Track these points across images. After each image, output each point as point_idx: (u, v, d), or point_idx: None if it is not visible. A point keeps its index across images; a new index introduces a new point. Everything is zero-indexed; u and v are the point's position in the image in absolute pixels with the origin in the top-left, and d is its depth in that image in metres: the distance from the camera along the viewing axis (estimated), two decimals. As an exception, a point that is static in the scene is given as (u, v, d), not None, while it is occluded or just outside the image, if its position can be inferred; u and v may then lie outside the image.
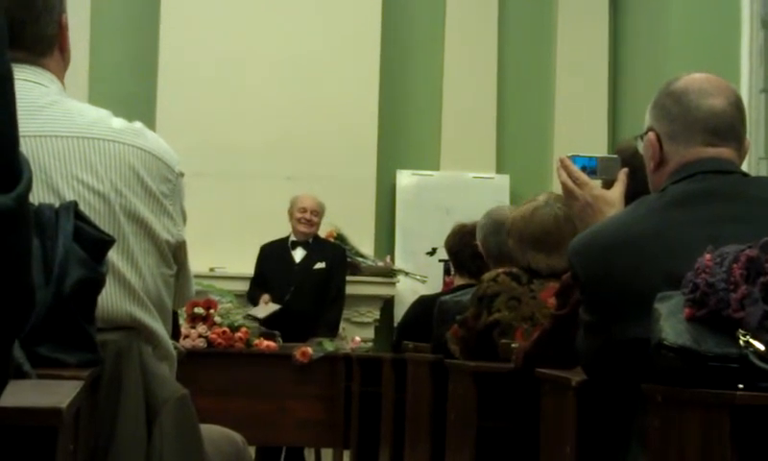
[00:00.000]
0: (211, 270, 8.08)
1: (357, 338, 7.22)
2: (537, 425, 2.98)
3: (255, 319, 7.03)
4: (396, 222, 8.93)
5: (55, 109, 2.13)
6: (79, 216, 1.85)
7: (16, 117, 1.18)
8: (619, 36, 9.20)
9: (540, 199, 3.84)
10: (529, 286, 3.73)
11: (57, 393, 1.41)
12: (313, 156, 8.56)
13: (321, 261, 7.48)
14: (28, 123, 2.03)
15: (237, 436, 2.59)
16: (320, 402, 6.60)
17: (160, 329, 2.23)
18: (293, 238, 7.53)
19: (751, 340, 1.81)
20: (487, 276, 3.83)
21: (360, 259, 8.47)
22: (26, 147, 1.41)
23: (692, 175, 2.36)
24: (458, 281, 5.20)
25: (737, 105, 2.44)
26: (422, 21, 9.16)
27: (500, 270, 3.85)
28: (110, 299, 2.11)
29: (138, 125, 2.25)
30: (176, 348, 2.37)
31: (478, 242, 4.57)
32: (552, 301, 3.58)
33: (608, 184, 2.80)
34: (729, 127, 2.41)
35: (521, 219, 3.80)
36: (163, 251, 2.22)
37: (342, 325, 7.66)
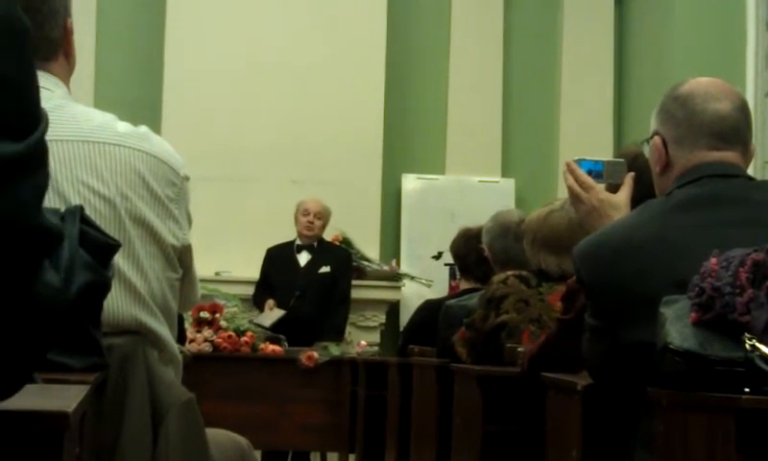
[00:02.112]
0: (217, 274, 8.09)
1: (363, 342, 7.22)
2: (542, 430, 2.98)
3: (261, 327, 7.03)
4: (401, 226, 8.93)
5: (60, 113, 2.13)
6: (84, 220, 1.85)
7: (34, 69, 1.20)
8: (625, 41, 9.20)
9: (558, 203, 3.86)
10: (538, 289, 3.74)
11: (63, 397, 1.41)
12: (319, 160, 8.56)
13: (326, 265, 7.48)
14: (34, 127, 2.03)
15: (243, 440, 2.59)
16: (325, 406, 6.60)
17: (166, 334, 2.23)
18: (298, 242, 7.54)
19: (757, 344, 1.81)
20: (496, 278, 3.85)
21: (365, 263, 8.46)
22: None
23: (698, 179, 2.36)
24: (464, 285, 5.20)
25: (743, 109, 2.44)
26: (428, 25, 9.17)
27: (510, 273, 3.86)
28: (116, 303, 2.11)
29: (144, 129, 2.25)
30: (181, 352, 2.37)
31: (484, 246, 4.58)
32: (559, 303, 3.59)
33: (613, 188, 2.80)
34: (734, 131, 2.40)
35: (536, 221, 3.83)
36: (169, 255, 2.22)
37: (347, 329, 7.65)
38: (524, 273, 3.83)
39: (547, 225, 3.78)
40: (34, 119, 1.20)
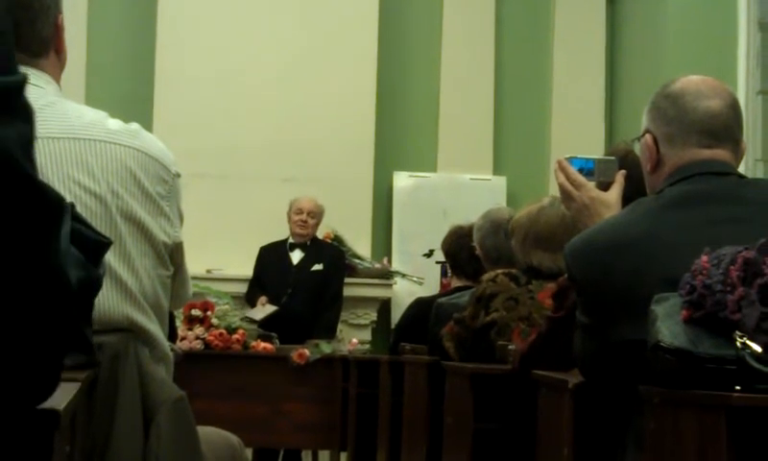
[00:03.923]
0: (208, 272, 8.08)
1: (354, 340, 7.21)
2: (533, 427, 2.98)
3: (252, 321, 7.03)
4: (392, 224, 8.93)
5: (51, 110, 2.13)
6: (75, 218, 1.84)
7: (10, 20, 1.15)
8: (616, 38, 9.21)
9: (546, 201, 3.87)
10: (527, 287, 3.75)
11: (53, 395, 1.40)
12: (310, 157, 8.55)
13: (318, 263, 7.48)
14: (24, 124, 2.02)
15: (234, 438, 2.59)
16: (317, 405, 6.59)
17: (157, 331, 2.22)
18: (291, 240, 7.54)
19: (747, 342, 1.81)
20: (486, 276, 3.85)
21: (357, 261, 8.46)
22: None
23: (689, 177, 2.36)
24: (455, 283, 5.20)
25: (734, 107, 2.45)
26: (419, 23, 9.16)
27: (499, 271, 3.87)
28: (107, 301, 2.11)
29: (135, 126, 2.25)
30: (173, 350, 2.37)
31: (475, 244, 4.58)
32: (549, 301, 3.59)
33: (604, 186, 2.80)
34: (725, 129, 2.41)
35: (527, 218, 3.82)
36: (160, 252, 2.22)
37: (339, 326, 7.65)
38: (513, 271, 3.83)
39: (540, 222, 3.78)
40: (13, 62, 1.15)
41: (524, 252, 3.81)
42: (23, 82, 1.14)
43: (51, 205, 1.17)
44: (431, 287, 7.91)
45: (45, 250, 1.16)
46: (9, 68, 1.13)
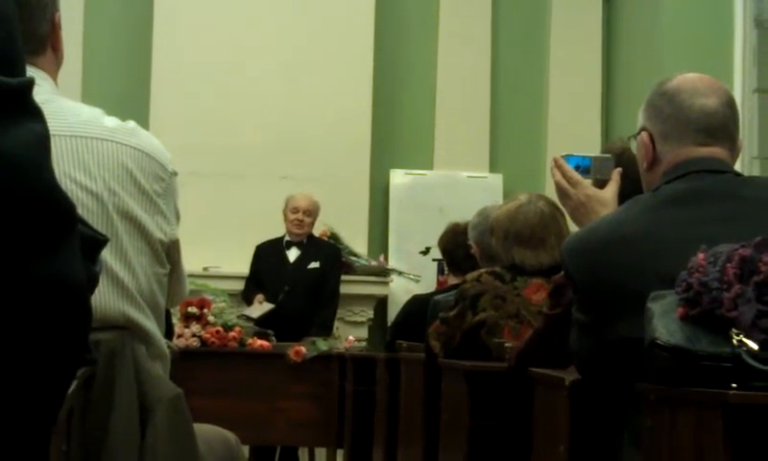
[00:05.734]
0: (205, 269, 8.07)
1: (351, 337, 7.22)
2: (530, 425, 2.98)
3: (249, 319, 7.03)
4: (389, 221, 8.93)
5: (48, 107, 2.11)
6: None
7: (16, 14, 1.13)
8: (613, 36, 9.21)
9: (522, 198, 3.89)
10: (513, 284, 3.75)
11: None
12: (307, 155, 8.55)
13: (315, 261, 7.47)
14: (21, 122, 2.02)
15: (231, 435, 2.59)
16: (313, 402, 6.59)
17: (154, 329, 2.23)
18: (287, 238, 7.54)
19: (744, 339, 1.81)
20: (470, 276, 3.86)
21: (354, 259, 8.46)
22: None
23: (685, 174, 2.36)
24: (451, 281, 5.20)
25: (730, 104, 2.45)
26: (416, 20, 9.16)
27: (483, 270, 3.87)
28: (104, 298, 2.11)
29: (131, 124, 2.25)
30: (169, 347, 2.37)
31: (471, 241, 4.58)
32: (536, 297, 3.60)
33: (600, 184, 2.80)
34: (721, 126, 2.41)
35: (506, 217, 3.84)
36: (157, 250, 2.22)
37: (336, 324, 7.65)
38: (497, 269, 3.83)
39: (519, 219, 3.80)
40: (21, 63, 1.14)
41: (506, 249, 3.82)
42: (32, 82, 1.12)
43: (64, 214, 1.15)
44: (428, 285, 7.92)
45: (57, 259, 1.13)
46: (16, 64, 1.10)
